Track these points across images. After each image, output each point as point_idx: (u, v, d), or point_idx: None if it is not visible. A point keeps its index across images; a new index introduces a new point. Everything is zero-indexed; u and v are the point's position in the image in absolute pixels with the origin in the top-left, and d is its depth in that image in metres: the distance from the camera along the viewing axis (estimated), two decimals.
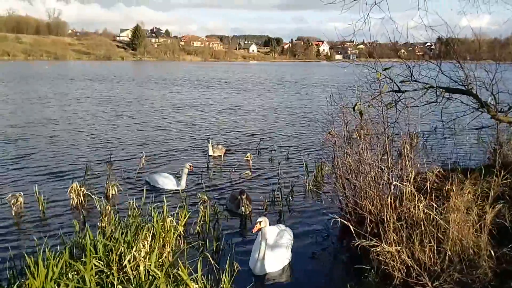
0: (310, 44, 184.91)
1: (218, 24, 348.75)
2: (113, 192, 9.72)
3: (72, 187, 9.11)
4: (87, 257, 4.86)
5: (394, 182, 6.22)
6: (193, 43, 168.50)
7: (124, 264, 5.08)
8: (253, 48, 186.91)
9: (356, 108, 6.74)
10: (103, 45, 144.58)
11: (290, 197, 9.75)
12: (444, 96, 8.66)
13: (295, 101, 31.24)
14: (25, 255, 5.42)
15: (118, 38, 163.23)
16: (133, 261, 5.17)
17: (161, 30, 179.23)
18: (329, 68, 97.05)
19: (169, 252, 6.48)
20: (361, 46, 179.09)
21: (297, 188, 10.41)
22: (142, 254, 5.23)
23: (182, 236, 7.21)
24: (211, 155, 13.52)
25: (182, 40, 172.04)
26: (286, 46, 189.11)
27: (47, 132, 17.45)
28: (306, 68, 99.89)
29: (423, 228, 5.91)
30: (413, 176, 6.17)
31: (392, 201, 6.17)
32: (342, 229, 8.03)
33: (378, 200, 6.57)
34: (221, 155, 13.64)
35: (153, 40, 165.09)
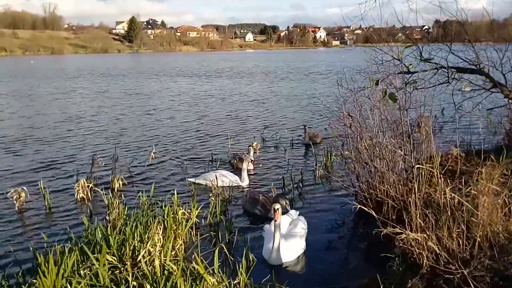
0: (307, 31, 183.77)
1: (214, 13, 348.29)
2: (119, 186, 9.42)
3: (80, 182, 8.83)
4: (101, 252, 4.56)
5: (417, 165, 5.91)
6: (189, 34, 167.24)
7: (138, 259, 4.78)
8: (249, 36, 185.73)
9: (375, 84, 6.43)
10: (99, 38, 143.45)
11: (301, 184, 9.50)
12: (454, 77, 8.36)
13: (296, 88, 30.76)
14: (34, 252, 5.14)
15: (114, 31, 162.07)
16: (147, 256, 4.87)
17: (157, 21, 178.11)
18: (327, 55, 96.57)
19: (181, 244, 6.21)
20: (358, 31, 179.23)
21: (307, 174, 10.15)
22: (157, 248, 4.92)
23: (193, 227, 6.94)
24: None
25: (178, 31, 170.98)
26: (282, 34, 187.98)
27: (50, 126, 17.13)
28: (305, 55, 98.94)
29: (449, 213, 5.62)
30: (439, 159, 5.85)
31: (417, 185, 5.86)
32: (358, 215, 7.80)
33: (401, 185, 6.27)
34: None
35: (149, 31, 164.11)
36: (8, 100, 26.17)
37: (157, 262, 4.69)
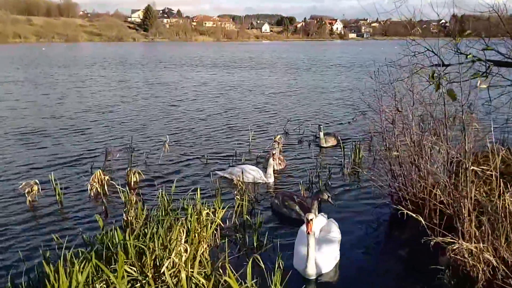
0: (324, 22, 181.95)
1: (230, 3, 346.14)
2: (136, 179, 8.84)
3: (95, 175, 8.26)
4: (118, 263, 3.97)
5: (472, 167, 5.26)
6: (205, 23, 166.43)
7: (162, 271, 4.18)
8: (266, 27, 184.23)
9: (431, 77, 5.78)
10: (114, 27, 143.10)
11: (329, 182, 8.88)
12: (490, 72, 7.74)
13: (321, 80, 29.97)
14: (44, 255, 4.57)
15: (129, 19, 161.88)
16: (171, 268, 4.27)
17: (172, 10, 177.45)
18: (345, 47, 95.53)
19: (205, 249, 5.62)
20: (374, 24, 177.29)
21: (334, 172, 9.53)
22: (183, 258, 4.32)
23: (218, 229, 6.34)
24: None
25: (194, 21, 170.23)
26: (299, 25, 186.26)
27: (66, 116, 16.53)
28: (322, 47, 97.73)
29: (508, 221, 4.98)
30: (500, 160, 5.20)
31: (473, 189, 5.22)
32: (393, 218, 7.20)
33: (448, 187, 5.62)
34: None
35: (165, 20, 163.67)
36: (23, 88, 25.59)
37: (183, 275, 4.09)
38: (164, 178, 9.25)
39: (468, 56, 6.25)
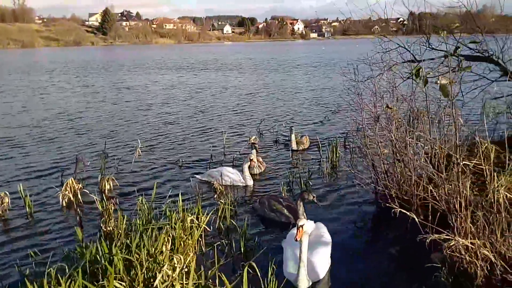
0: (285, 23, 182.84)
1: (190, 5, 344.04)
2: (110, 187, 8.47)
3: (67, 184, 7.84)
4: (110, 278, 3.65)
5: (464, 162, 5.17)
6: (165, 26, 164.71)
7: (155, 286, 3.88)
8: (227, 28, 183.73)
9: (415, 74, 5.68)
10: (72, 31, 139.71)
11: (309, 182, 8.70)
12: (461, 67, 7.81)
13: (290, 80, 29.82)
14: (25, 279, 4.20)
15: (87, 23, 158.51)
16: (164, 281, 3.96)
17: (131, 13, 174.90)
18: (308, 47, 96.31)
19: (192, 257, 5.33)
20: (335, 23, 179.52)
21: (313, 172, 9.38)
22: (177, 271, 4.02)
23: (202, 235, 6.05)
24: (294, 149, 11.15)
25: (154, 23, 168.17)
26: (260, 26, 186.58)
27: (30, 124, 15.72)
28: (285, 47, 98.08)
29: (502, 215, 4.90)
30: (493, 155, 5.12)
31: (462, 184, 5.13)
32: (378, 216, 7.14)
33: (446, 184, 5.51)
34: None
35: (124, 23, 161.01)
36: None
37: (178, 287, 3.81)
38: (139, 185, 8.89)
39: (458, 50, 6.14)
